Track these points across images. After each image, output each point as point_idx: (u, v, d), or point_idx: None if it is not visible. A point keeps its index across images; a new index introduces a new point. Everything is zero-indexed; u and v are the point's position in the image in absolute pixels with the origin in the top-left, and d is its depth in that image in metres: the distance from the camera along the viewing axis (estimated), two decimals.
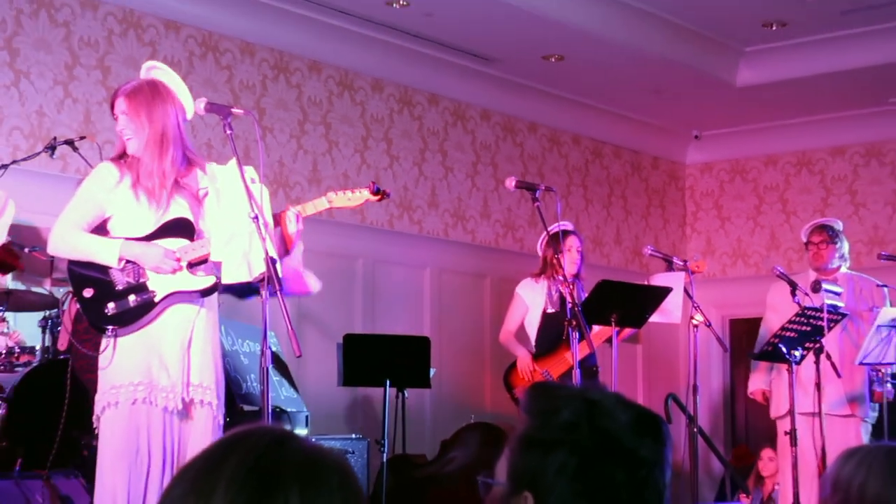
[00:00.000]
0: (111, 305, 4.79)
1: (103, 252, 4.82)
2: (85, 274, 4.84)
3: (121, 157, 4.96)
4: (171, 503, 1.62)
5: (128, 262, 4.85)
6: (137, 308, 4.81)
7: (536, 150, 11.69)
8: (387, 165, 10.42)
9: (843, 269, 7.96)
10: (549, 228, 7.34)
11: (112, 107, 4.99)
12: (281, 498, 1.57)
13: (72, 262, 4.89)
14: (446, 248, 10.83)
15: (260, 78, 9.58)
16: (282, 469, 1.60)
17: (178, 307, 4.88)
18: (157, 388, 4.75)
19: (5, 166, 6.92)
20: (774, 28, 10.32)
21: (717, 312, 10.54)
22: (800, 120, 12.13)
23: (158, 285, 4.83)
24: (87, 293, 4.78)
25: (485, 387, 10.69)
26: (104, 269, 4.83)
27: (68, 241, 4.88)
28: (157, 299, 4.83)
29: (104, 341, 4.82)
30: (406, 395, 9.06)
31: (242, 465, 1.60)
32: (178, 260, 4.87)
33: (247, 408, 7.29)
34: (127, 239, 4.86)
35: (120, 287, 4.82)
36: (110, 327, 4.77)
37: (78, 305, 4.86)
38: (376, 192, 5.56)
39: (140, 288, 4.83)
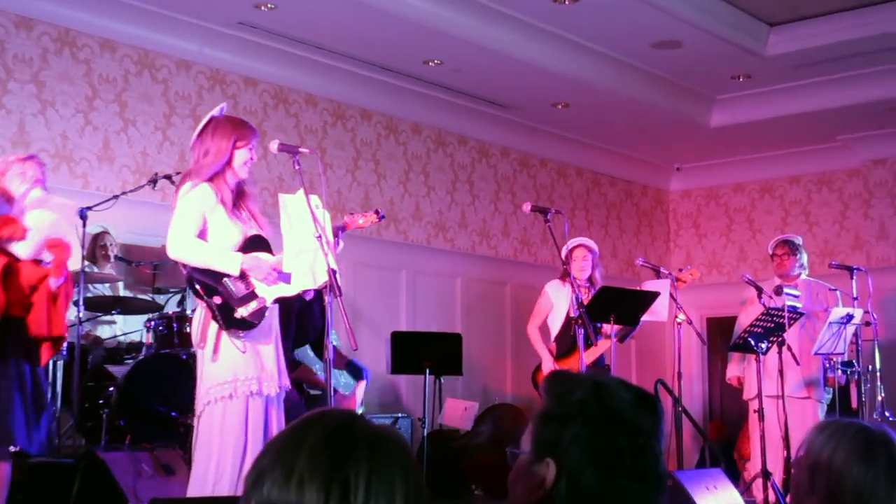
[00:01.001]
0: (239, 311, 4.71)
1: (226, 262, 4.76)
2: (210, 284, 4.74)
3: (211, 180, 4.84)
4: (261, 470, 1.62)
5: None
6: (256, 313, 4.75)
7: (547, 180, 11.68)
8: (424, 194, 10.43)
9: (803, 276, 7.92)
10: (567, 243, 7.40)
11: (245, 142, 4.92)
12: (353, 466, 1.57)
13: (195, 272, 4.76)
14: (474, 262, 10.82)
15: (321, 123, 9.62)
16: (353, 443, 1.60)
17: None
18: (263, 380, 4.73)
19: (116, 197, 6.97)
20: (741, 80, 10.30)
21: (696, 312, 10.50)
22: (763, 154, 12.08)
23: (265, 292, 4.80)
24: (217, 301, 4.68)
25: (506, 374, 10.68)
26: (221, 278, 4.75)
27: (190, 248, 4.75)
28: (267, 304, 4.81)
29: (211, 340, 4.72)
30: (442, 380, 9.06)
31: (320, 439, 1.60)
32: (278, 271, 4.85)
33: (313, 392, 7.28)
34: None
35: (239, 295, 4.75)
36: (241, 332, 4.72)
37: (209, 311, 4.72)
38: (381, 216, 5.96)
39: (253, 295, 4.78)
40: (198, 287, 4.74)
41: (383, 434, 1.63)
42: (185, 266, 4.81)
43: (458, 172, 10.79)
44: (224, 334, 4.68)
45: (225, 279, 4.76)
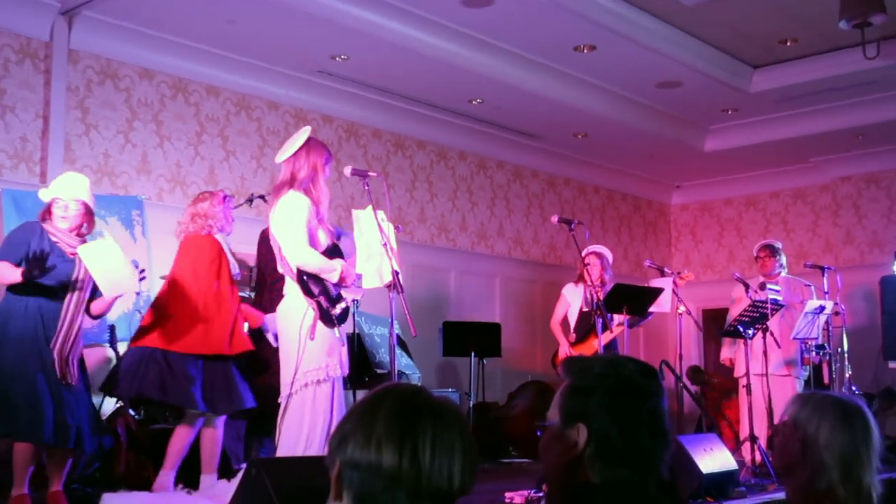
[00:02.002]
0: (335, 309, 4.71)
1: (331, 269, 4.72)
2: (315, 286, 4.67)
3: (306, 192, 4.79)
4: (344, 434, 1.64)
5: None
6: (344, 312, 4.76)
7: (569, 196, 11.67)
8: (469, 209, 10.45)
9: (783, 274, 7.87)
10: (583, 250, 7.39)
11: (329, 162, 4.92)
12: (420, 431, 1.59)
13: (306, 275, 4.66)
14: (510, 264, 10.82)
15: (385, 152, 9.67)
16: (420, 411, 1.61)
17: None
18: (342, 365, 4.75)
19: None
20: (730, 112, 10.25)
21: (694, 305, 10.45)
22: (748, 174, 12.01)
23: (347, 294, 4.81)
24: (324, 302, 4.64)
25: (536, 357, 10.66)
26: (323, 282, 4.70)
27: (312, 258, 4.67)
28: (349, 306, 4.82)
29: (303, 332, 4.63)
30: (485, 362, 9.08)
31: (394, 405, 1.62)
32: (358, 276, 4.84)
33: (379, 371, 7.29)
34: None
35: (334, 296, 4.74)
36: (336, 326, 4.70)
37: (317, 309, 4.66)
38: (399, 230, 5.83)
39: (341, 297, 4.77)
40: (310, 287, 4.69)
41: (443, 404, 1.65)
42: (300, 271, 4.73)
43: (496, 191, 10.80)
44: (321, 327, 4.65)
45: (326, 283, 4.73)
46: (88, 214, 5.15)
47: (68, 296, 4.99)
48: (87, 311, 5.17)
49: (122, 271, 5.07)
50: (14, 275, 4.83)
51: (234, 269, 5.55)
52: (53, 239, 4.99)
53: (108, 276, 5.00)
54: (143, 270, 5.34)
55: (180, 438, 5.40)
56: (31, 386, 4.78)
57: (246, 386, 5.53)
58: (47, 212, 5.09)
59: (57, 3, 7.17)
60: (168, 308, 5.44)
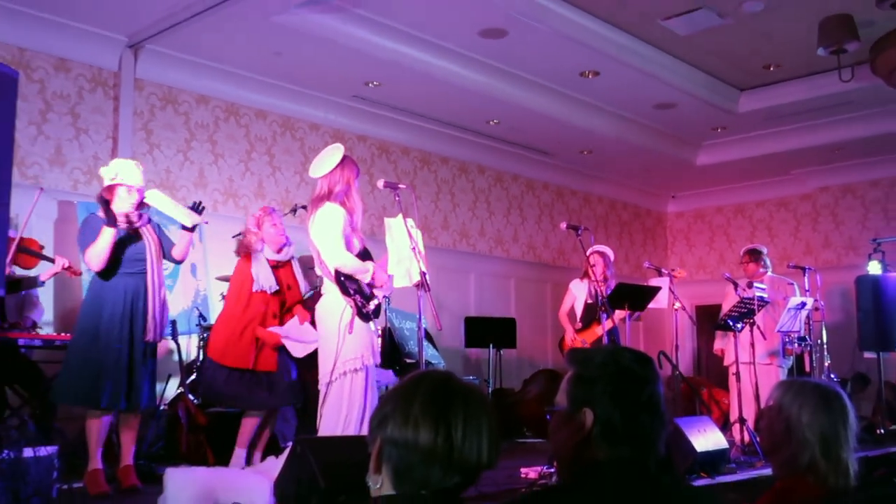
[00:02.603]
0: (370, 306, 4.72)
1: (365, 270, 4.76)
2: (352, 285, 4.70)
3: (342, 204, 4.78)
4: (384, 415, 1.65)
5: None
6: (377, 308, 4.77)
7: (576, 206, 11.65)
8: (487, 217, 10.46)
9: (768, 274, 7.83)
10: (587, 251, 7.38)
11: (357, 179, 4.91)
12: (453, 412, 1.60)
13: (345, 277, 4.70)
14: (523, 266, 10.81)
15: (413, 167, 9.70)
16: (452, 395, 1.63)
17: None
18: (375, 356, 4.77)
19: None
20: (719, 131, 10.21)
21: (688, 301, 10.38)
22: (736, 185, 11.95)
23: (378, 293, 4.81)
24: (358, 300, 4.68)
25: (547, 348, 10.66)
26: (358, 282, 4.73)
27: (348, 260, 4.69)
28: (381, 303, 4.82)
29: (341, 327, 4.65)
30: (501, 353, 9.08)
31: (429, 390, 1.64)
32: (390, 277, 4.86)
33: (408, 360, 7.29)
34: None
35: (368, 294, 4.76)
36: (370, 321, 4.72)
37: (354, 306, 4.67)
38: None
39: (373, 295, 4.78)
40: (347, 287, 4.71)
41: (472, 389, 1.67)
42: (337, 272, 4.74)
43: (511, 201, 10.80)
44: (358, 322, 4.67)
45: (361, 282, 4.76)
46: (142, 203, 5.09)
47: (148, 268, 4.97)
48: (171, 258, 5.17)
49: (182, 209, 5.13)
50: (107, 235, 4.82)
51: (259, 284, 5.47)
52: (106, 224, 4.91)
53: (178, 211, 5.08)
54: (199, 203, 5.24)
55: (249, 425, 5.44)
56: (116, 360, 4.81)
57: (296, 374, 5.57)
58: (109, 192, 4.98)
59: (124, 37, 7.25)
60: (218, 324, 5.61)
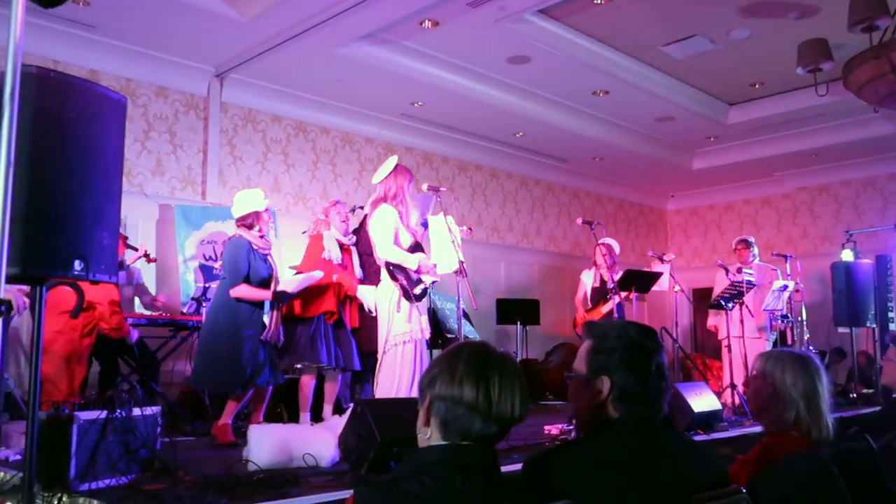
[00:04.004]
0: (416, 290, 4.69)
1: (412, 261, 4.72)
2: (399, 273, 4.68)
3: (396, 205, 4.80)
4: (433, 375, 1.66)
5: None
6: (422, 292, 4.74)
7: (589, 205, 11.54)
8: (515, 214, 10.41)
9: (756, 262, 7.71)
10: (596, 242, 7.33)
11: (410, 184, 4.87)
12: (491, 373, 1.60)
13: (392, 265, 4.68)
14: (546, 256, 10.76)
15: (451, 174, 9.68)
16: (489, 359, 1.63)
17: None
18: (422, 331, 4.74)
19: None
20: (712, 139, 10.06)
21: (686, 285, 10.21)
22: (727, 186, 11.76)
23: (426, 279, 4.78)
24: (404, 283, 4.67)
25: (566, 325, 10.56)
26: (405, 270, 4.70)
27: (393, 251, 4.68)
28: (427, 287, 4.78)
29: (391, 306, 4.66)
30: (527, 329, 9.06)
31: (471, 354, 1.64)
32: (434, 265, 4.85)
33: (449, 336, 7.28)
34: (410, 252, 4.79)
35: (414, 279, 4.73)
36: (415, 303, 4.70)
37: (401, 290, 4.67)
38: (470, 231, 5.77)
39: (420, 280, 4.74)
40: (395, 274, 4.71)
41: (505, 355, 1.67)
42: (387, 262, 4.73)
43: (534, 201, 10.74)
44: (404, 303, 4.67)
45: (408, 270, 4.74)
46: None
47: (272, 285, 4.93)
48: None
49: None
50: (266, 295, 4.85)
51: (328, 253, 5.45)
52: (255, 245, 4.88)
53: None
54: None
55: (307, 383, 5.35)
56: (253, 351, 4.82)
57: (356, 351, 5.50)
58: (256, 218, 4.93)
59: (212, 68, 7.32)
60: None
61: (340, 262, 5.49)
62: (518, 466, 1.88)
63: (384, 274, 4.77)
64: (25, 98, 2.50)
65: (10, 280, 2.44)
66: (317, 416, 5.48)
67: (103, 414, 3.24)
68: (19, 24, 2.40)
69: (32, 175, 2.51)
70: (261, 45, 6.76)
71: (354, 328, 5.59)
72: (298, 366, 5.33)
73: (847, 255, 8.62)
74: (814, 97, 7.40)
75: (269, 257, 5.02)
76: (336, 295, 5.35)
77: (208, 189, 7.31)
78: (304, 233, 6.06)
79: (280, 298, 4.94)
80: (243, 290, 4.80)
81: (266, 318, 4.95)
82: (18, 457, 3.70)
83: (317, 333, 5.30)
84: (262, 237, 4.96)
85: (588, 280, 7.69)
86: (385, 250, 4.71)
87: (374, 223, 4.78)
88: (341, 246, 5.57)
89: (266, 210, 5.01)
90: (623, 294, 6.95)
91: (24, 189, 2.46)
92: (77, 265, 2.60)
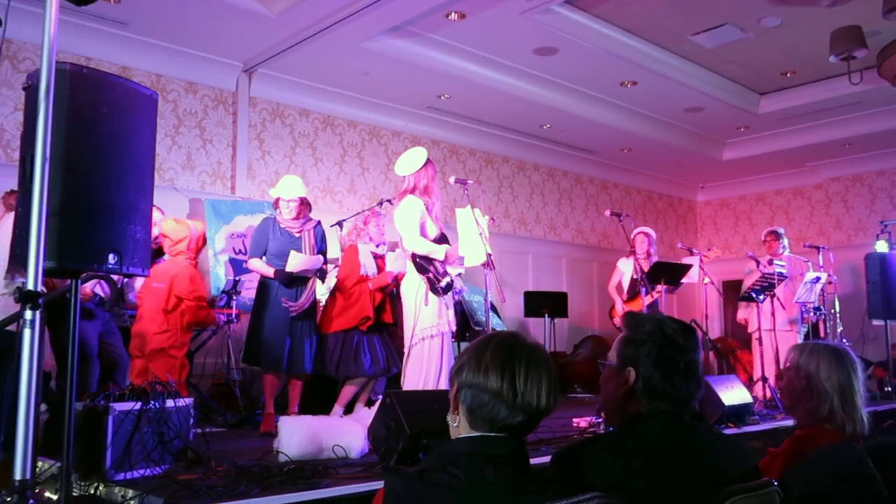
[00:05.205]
0: (441, 283, 4.69)
1: (439, 252, 4.72)
2: (426, 265, 4.69)
3: (421, 197, 4.81)
4: (462, 363, 1.67)
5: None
6: (448, 284, 4.73)
7: (618, 197, 11.45)
8: (542, 207, 10.37)
9: (786, 253, 7.61)
10: (632, 232, 7.29)
11: (434, 176, 4.90)
12: (518, 362, 1.61)
13: (418, 257, 4.69)
14: (574, 248, 10.71)
15: (478, 166, 9.67)
16: (517, 348, 1.63)
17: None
18: (448, 324, 4.73)
19: (362, 212, 7.09)
20: (742, 130, 9.92)
21: (716, 277, 10.15)
22: (757, 176, 11.61)
23: (451, 271, 4.78)
24: (431, 276, 4.67)
25: (594, 318, 10.55)
26: (432, 262, 4.69)
27: (418, 243, 4.70)
28: (452, 279, 4.78)
29: (418, 300, 4.66)
30: (555, 321, 9.03)
31: (498, 344, 1.64)
32: (461, 258, 4.84)
33: (477, 328, 7.29)
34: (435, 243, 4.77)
35: (441, 272, 4.73)
36: (442, 296, 4.70)
37: (427, 282, 4.68)
38: (494, 221, 5.75)
39: (446, 273, 4.74)
40: (422, 266, 4.71)
41: (535, 345, 1.67)
42: (413, 254, 4.75)
43: (562, 193, 10.69)
44: (432, 297, 4.67)
45: (435, 262, 4.74)
46: (303, 205, 5.28)
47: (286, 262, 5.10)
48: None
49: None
50: (268, 271, 5.13)
51: (365, 270, 5.46)
52: (282, 225, 5.22)
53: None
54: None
55: (350, 390, 5.40)
56: (282, 333, 5.00)
57: (394, 351, 5.48)
58: (276, 204, 5.30)
59: (240, 63, 7.37)
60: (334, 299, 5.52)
61: (376, 272, 5.50)
62: (546, 459, 1.88)
63: (410, 266, 4.77)
64: (60, 94, 2.54)
65: (47, 274, 2.48)
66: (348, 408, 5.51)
67: (138, 405, 3.30)
68: (53, 22, 2.44)
69: (67, 170, 2.55)
70: (288, 39, 6.79)
71: (390, 324, 5.57)
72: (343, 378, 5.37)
73: (882, 247, 8.46)
74: (847, 85, 7.29)
75: (300, 236, 5.18)
76: (371, 300, 5.37)
77: (237, 183, 7.37)
78: (332, 226, 6.09)
79: (282, 277, 5.08)
80: (253, 264, 5.21)
81: (305, 295, 5.06)
82: None
83: (359, 346, 5.30)
84: (291, 218, 5.23)
85: (626, 269, 7.63)
86: (411, 241, 4.72)
87: (400, 214, 4.79)
88: (375, 257, 5.60)
89: (290, 199, 5.20)
90: (656, 287, 6.90)
91: (59, 184, 2.51)
92: (111, 258, 2.65)
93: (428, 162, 4.89)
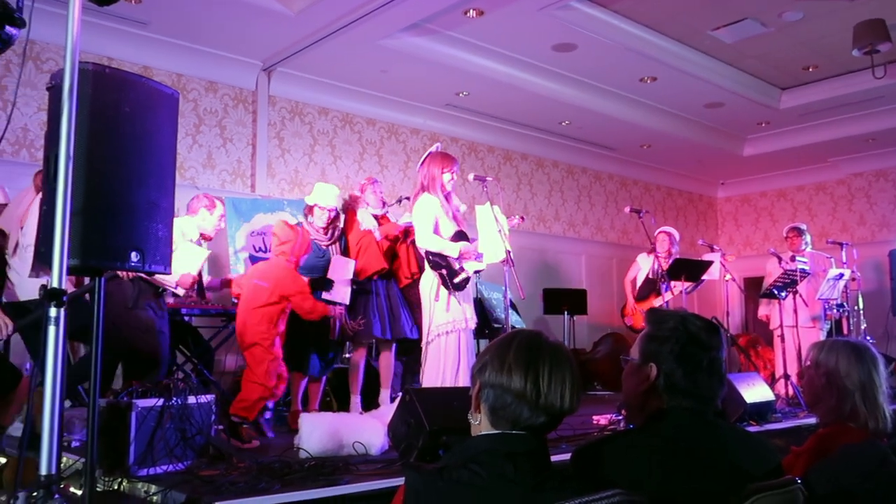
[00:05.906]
0: (455, 280, 4.69)
1: (453, 249, 4.71)
2: (440, 262, 4.69)
3: (434, 192, 4.80)
4: (484, 362, 1.66)
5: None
6: (463, 281, 4.73)
7: (637, 193, 11.38)
8: (561, 204, 10.34)
9: (808, 249, 7.53)
10: (656, 229, 7.25)
11: (448, 168, 4.85)
12: (541, 362, 1.60)
13: (432, 254, 4.70)
14: (593, 245, 10.66)
15: (497, 163, 9.65)
16: (540, 348, 1.62)
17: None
18: (466, 321, 4.73)
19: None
20: (763, 125, 9.82)
21: (738, 273, 10.04)
22: (779, 172, 11.48)
23: (468, 267, 4.77)
24: (444, 272, 4.67)
25: (614, 315, 10.46)
26: (446, 258, 4.69)
27: (431, 240, 4.70)
28: (469, 275, 4.77)
29: (433, 297, 4.67)
30: (574, 318, 8.99)
31: (522, 342, 1.63)
32: (480, 255, 4.82)
33: (496, 325, 7.27)
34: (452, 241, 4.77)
35: (455, 269, 4.71)
36: (456, 292, 4.69)
37: (441, 278, 4.68)
38: (522, 220, 5.74)
39: (462, 269, 4.73)
40: (435, 262, 4.71)
41: (558, 344, 1.66)
42: (427, 252, 4.75)
43: (581, 190, 10.64)
44: (443, 292, 4.66)
45: (449, 259, 4.73)
46: (336, 219, 5.29)
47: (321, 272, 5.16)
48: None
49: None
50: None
51: (364, 226, 5.52)
52: (311, 237, 5.06)
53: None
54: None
55: (357, 364, 5.34)
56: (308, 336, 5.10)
57: (409, 316, 5.40)
58: (310, 211, 5.31)
59: (260, 62, 7.41)
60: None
61: (377, 228, 5.50)
62: (566, 456, 1.87)
63: (427, 263, 4.78)
64: (83, 94, 2.57)
65: (71, 271, 2.51)
66: (371, 400, 5.50)
67: (160, 402, 3.33)
68: (76, 22, 2.47)
69: (90, 169, 2.58)
70: (307, 38, 6.82)
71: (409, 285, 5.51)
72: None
73: None
74: (870, 80, 7.20)
75: (328, 249, 5.19)
76: (383, 252, 5.34)
77: (257, 181, 7.41)
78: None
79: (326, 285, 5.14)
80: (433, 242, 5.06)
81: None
82: (76, 444, 3.82)
83: (369, 305, 5.28)
84: (321, 229, 5.25)
85: (645, 265, 7.59)
86: (424, 239, 4.73)
87: (414, 212, 4.84)
88: (377, 218, 5.58)
89: (329, 208, 5.27)
90: (674, 285, 6.86)
91: (82, 182, 2.53)
92: (134, 256, 2.67)
93: (430, 156, 4.88)
